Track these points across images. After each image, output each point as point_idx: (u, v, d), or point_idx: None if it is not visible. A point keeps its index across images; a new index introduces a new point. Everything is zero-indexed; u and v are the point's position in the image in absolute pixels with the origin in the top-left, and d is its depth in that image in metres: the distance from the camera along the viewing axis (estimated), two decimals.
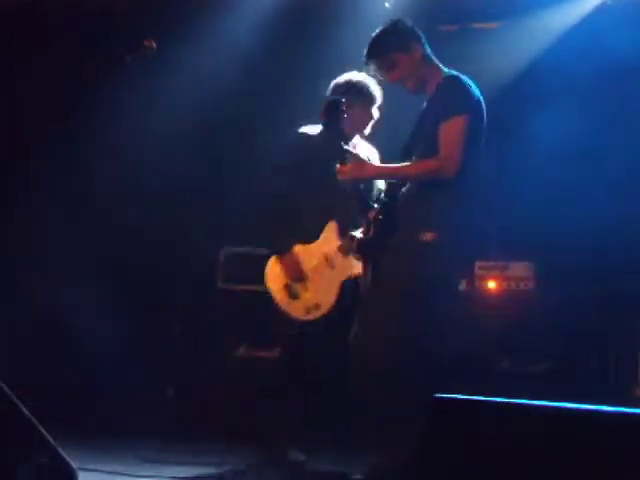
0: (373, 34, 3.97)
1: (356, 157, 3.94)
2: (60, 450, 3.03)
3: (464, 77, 3.85)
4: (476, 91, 3.84)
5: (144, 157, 5.62)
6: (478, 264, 5.31)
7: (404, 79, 3.93)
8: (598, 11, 5.33)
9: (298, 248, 4.37)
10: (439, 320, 3.85)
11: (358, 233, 4.05)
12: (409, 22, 4.00)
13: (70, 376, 5.40)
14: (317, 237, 4.38)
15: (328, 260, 4.35)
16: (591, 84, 5.29)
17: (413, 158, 3.85)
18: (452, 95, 3.79)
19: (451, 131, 3.71)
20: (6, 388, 2.98)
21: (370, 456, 3.94)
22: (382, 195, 4.01)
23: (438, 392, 2.60)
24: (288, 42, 5.71)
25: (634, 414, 2.34)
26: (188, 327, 5.61)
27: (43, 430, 2.99)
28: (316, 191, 4.36)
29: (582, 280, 5.25)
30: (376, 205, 3.97)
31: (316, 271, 4.34)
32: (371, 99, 4.43)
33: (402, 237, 3.81)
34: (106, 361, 5.35)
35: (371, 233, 3.92)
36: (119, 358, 5.37)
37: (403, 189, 3.90)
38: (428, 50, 3.96)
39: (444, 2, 5.49)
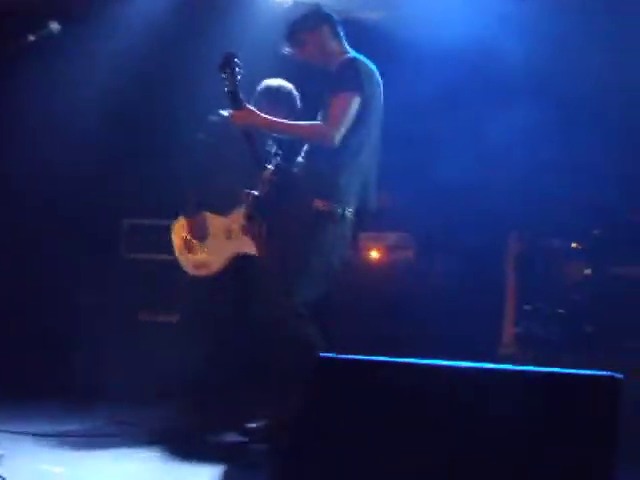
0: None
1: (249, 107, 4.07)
2: None
3: (362, 59, 4.03)
4: (371, 73, 4.01)
5: (52, 132, 5.57)
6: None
7: (311, 57, 4.12)
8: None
9: (208, 214, 4.63)
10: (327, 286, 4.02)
11: (255, 192, 4.19)
12: (325, 9, 4.18)
13: None
14: (225, 212, 4.59)
15: (229, 232, 4.60)
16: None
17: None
18: (344, 73, 3.97)
19: (338, 105, 3.90)
20: None
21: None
22: (278, 158, 4.19)
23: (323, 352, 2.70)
24: (203, 21, 5.71)
25: (495, 369, 2.51)
26: (92, 295, 5.61)
27: None
28: (233, 175, 4.46)
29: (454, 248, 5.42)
30: (271, 166, 4.13)
31: (215, 237, 4.61)
32: (293, 107, 4.62)
33: (297, 204, 3.98)
34: (8, 329, 5.32)
35: (264, 192, 4.12)
36: (20, 325, 5.34)
37: (299, 157, 4.06)
38: (340, 33, 4.15)
39: None
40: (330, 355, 2.65)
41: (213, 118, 4.62)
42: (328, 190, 3.93)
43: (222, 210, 4.62)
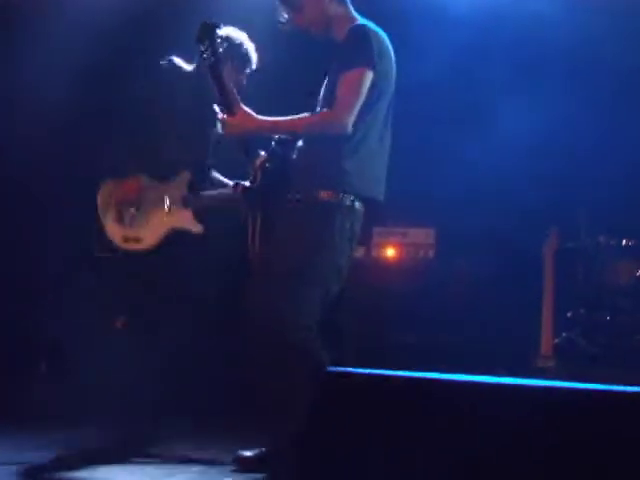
0: None
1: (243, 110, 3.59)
2: None
3: (374, 28, 3.57)
4: (385, 46, 3.57)
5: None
6: (375, 230, 5.17)
7: (310, 23, 3.65)
8: None
9: (145, 179, 4.27)
10: (332, 286, 3.60)
11: (246, 182, 3.77)
12: None
13: None
14: (165, 179, 4.32)
15: (168, 204, 4.27)
16: None
17: (317, 108, 3.59)
18: (355, 45, 3.51)
19: (349, 83, 3.45)
20: None
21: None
22: (273, 143, 3.69)
23: (332, 365, 2.69)
24: None
25: (532, 386, 2.37)
26: (63, 296, 5.40)
27: None
28: (180, 137, 4.23)
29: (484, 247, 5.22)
30: (263, 152, 3.66)
31: (152, 207, 4.27)
32: (247, 62, 4.27)
33: (299, 194, 3.56)
34: None
35: (257, 182, 3.64)
36: None
37: (299, 142, 3.64)
38: None
39: None
40: (338, 369, 2.61)
41: (162, 63, 4.29)
42: (333, 179, 3.51)
43: (162, 176, 4.29)
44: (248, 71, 4.31)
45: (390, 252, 5.18)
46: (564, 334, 4.67)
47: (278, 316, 3.45)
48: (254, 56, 4.30)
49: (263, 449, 3.65)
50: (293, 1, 3.64)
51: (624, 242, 4.73)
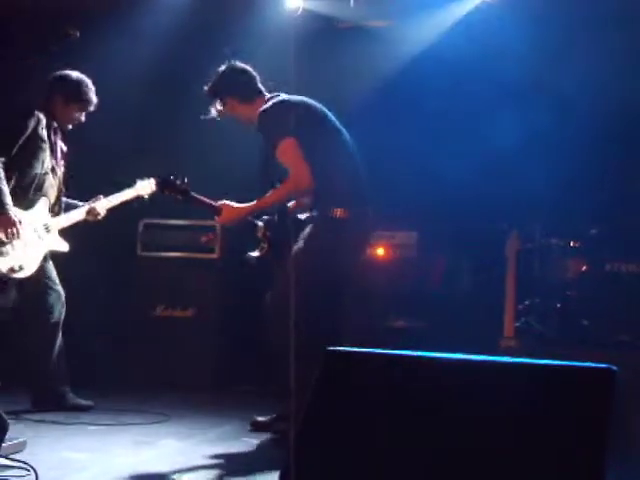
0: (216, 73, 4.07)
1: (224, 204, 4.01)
2: None
3: (277, 100, 3.95)
4: (293, 105, 3.94)
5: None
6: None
7: (234, 116, 4.08)
8: (477, 10, 5.43)
9: (16, 209, 4.26)
10: (337, 285, 3.96)
11: (255, 253, 4.13)
12: (242, 65, 4.10)
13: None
14: (31, 206, 4.37)
15: (36, 230, 4.36)
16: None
17: (277, 184, 3.96)
18: (266, 127, 3.93)
19: (284, 155, 3.86)
20: None
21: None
22: (264, 217, 4.12)
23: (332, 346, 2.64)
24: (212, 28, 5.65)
25: (498, 362, 2.51)
26: (111, 291, 5.59)
27: None
28: (30, 168, 4.36)
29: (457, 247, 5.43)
30: (259, 223, 4.10)
31: (26, 236, 4.28)
32: (86, 102, 4.48)
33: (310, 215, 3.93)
34: None
35: (266, 250, 4.06)
36: None
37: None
38: (257, 85, 4.08)
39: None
40: (337, 348, 2.63)
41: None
42: (338, 198, 3.88)
43: (27, 203, 4.33)
44: (88, 107, 4.48)
45: (380, 251, 5.42)
46: (523, 319, 4.89)
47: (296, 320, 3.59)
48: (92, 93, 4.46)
49: (274, 415, 4.00)
50: (217, 100, 4.06)
51: (572, 243, 4.96)
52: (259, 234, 4.10)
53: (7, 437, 3.14)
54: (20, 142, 4.29)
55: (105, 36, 5.31)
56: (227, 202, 4.03)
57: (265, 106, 3.97)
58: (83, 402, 4.53)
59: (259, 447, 3.84)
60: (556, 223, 5.06)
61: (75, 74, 4.49)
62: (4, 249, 4.19)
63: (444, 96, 5.36)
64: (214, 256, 5.45)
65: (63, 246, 4.47)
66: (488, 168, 5.16)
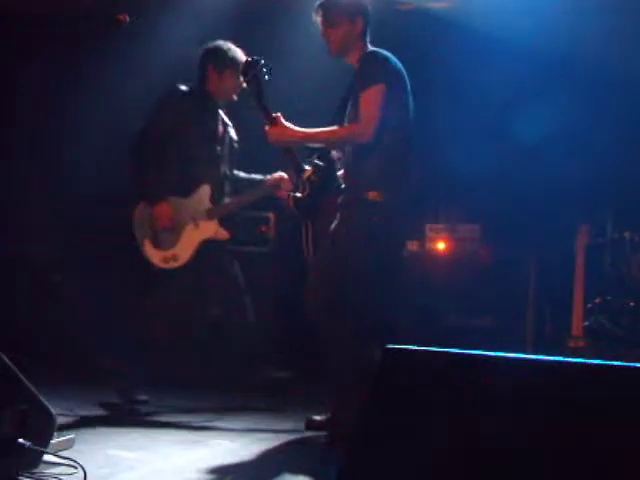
0: None
1: (279, 120, 3.89)
2: (40, 396, 2.99)
3: (382, 52, 3.90)
4: (394, 63, 3.88)
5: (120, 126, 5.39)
6: (428, 226, 5.34)
7: (333, 41, 3.96)
8: None
9: (171, 199, 4.32)
10: (388, 274, 3.88)
11: (297, 194, 4.03)
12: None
13: (45, 326, 5.33)
14: (187, 195, 4.38)
15: (194, 218, 4.36)
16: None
17: (345, 121, 3.89)
18: (368, 68, 3.84)
19: (367, 100, 3.77)
20: None
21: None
22: (315, 158, 4.00)
23: (390, 343, 2.56)
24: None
25: (568, 362, 2.36)
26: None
27: (23, 377, 2.94)
28: (193, 153, 4.37)
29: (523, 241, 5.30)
30: (307, 167, 3.99)
31: (181, 225, 4.34)
32: (239, 66, 4.31)
33: (347, 197, 3.86)
34: (83, 314, 5.31)
35: (306, 193, 3.96)
36: (93, 313, 5.31)
37: (335, 153, 3.96)
38: (366, 30, 4.00)
39: None
40: (397, 346, 2.52)
41: (181, 87, 4.40)
42: (376, 181, 3.81)
43: (184, 192, 4.36)
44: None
45: (441, 245, 5.33)
46: (593, 318, 4.75)
47: (333, 308, 3.71)
48: (243, 59, 4.30)
49: (330, 414, 3.92)
50: (330, 18, 3.94)
51: None
52: (303, 177, 3.96)
53: (55, 434, 3.11)
54: (170, 127, 4.28)
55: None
56: (285, 122, 3.90)
57: (375, 49, 3.92)
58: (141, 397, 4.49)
59: (313, 447, 3.80)
60: (629, 216, 4.94)
61: (220, 42, 4.44)
62: (157, 239, 4.28)
63: (510, 85, 5.28)
64: (264, 249, 5.38)
65: (222, 234, 4.43)
66: (555, 158, 5.06)
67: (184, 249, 4.33)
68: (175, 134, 4.32)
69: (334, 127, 3.89)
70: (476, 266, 5.25)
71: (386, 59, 3.86)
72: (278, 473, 3.31)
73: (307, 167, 3.98)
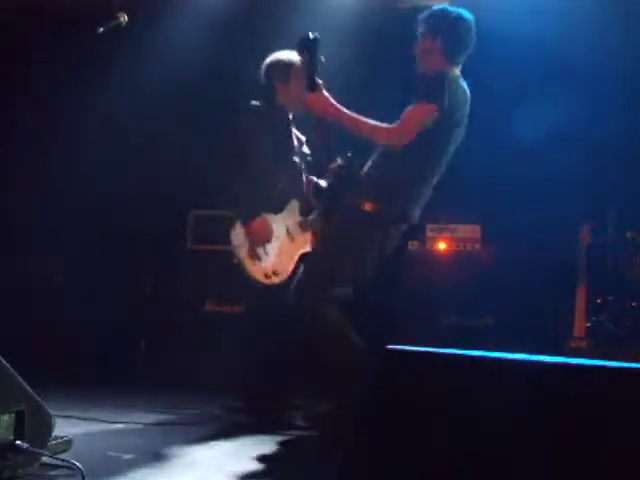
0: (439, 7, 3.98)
1: (321, 87, 3.87)
2: (38, 398, 2.99)
3: (455, 77, 3.88)
4: (462, 94, 3.88)
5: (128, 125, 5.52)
6: (429, 226, 5.34)
7: (423, 51, 3.95)
8: None
9: (266, 216, 4.32)
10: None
11: (321, 181, 4.06)
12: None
13: (47, 329, 5.36)
14: (278, 210, 4.37)
15: (289, 232, 4.35)
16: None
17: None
18: (432, 84, 3.81)
19: (415, 113, 3.77)
20: None
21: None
22: (349, 153, 4.00)
23: (389, 344, 2.58)
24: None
25: (569, 363, 2.35)
26: (159, 285, 5.59)
27: (21, 379, 2.94)
28: (275, 169, 4.35)
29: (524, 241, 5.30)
30: (339, 160, 3.98)
31: (278, 240, 4.32)
32: (301, 72, 4.27)
33: (347, 202, 3.89)
34: (83, 316, 5.31)
35: (328, 183, 4.00)
36: (96, 314, 5.32)
37: (372, 160, 3.92)
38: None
39: None
40: (397, 347, 2.56)
41: (254, 103, 4.38)
42: (385, 194, 3.82)
43: (275, 208, 4.36)
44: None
45: (442, 246, 5.34)
46: (594, 318, 4.76)
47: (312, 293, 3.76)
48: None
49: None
50: (434, 28, 3.93)
51: None
52: (330, 166, 3.98)
53: (53, 435, 3.10)
54: (251, 145, 4.25)
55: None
56: (327, 95, 3.86)
57: (446, 69, 3.87)
58: None
59: (313, 446, 3.81)
60: (630, 216, 4.94)
61: (277, 54, 4.41)
62: (258, 255, 4.24)
63: (510, 84, 5.28)
64: None
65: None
66: (556, 158, 5.06)
67: (284, 264, 4.30)
68: (256, 151, 4.31)
69: (371, 120, 3.84)
70: (476, 266, 5.26)
71: (454, 85, 3.87)
72: (278, 473, 3.31)
73: (338, 159, 3.98)
